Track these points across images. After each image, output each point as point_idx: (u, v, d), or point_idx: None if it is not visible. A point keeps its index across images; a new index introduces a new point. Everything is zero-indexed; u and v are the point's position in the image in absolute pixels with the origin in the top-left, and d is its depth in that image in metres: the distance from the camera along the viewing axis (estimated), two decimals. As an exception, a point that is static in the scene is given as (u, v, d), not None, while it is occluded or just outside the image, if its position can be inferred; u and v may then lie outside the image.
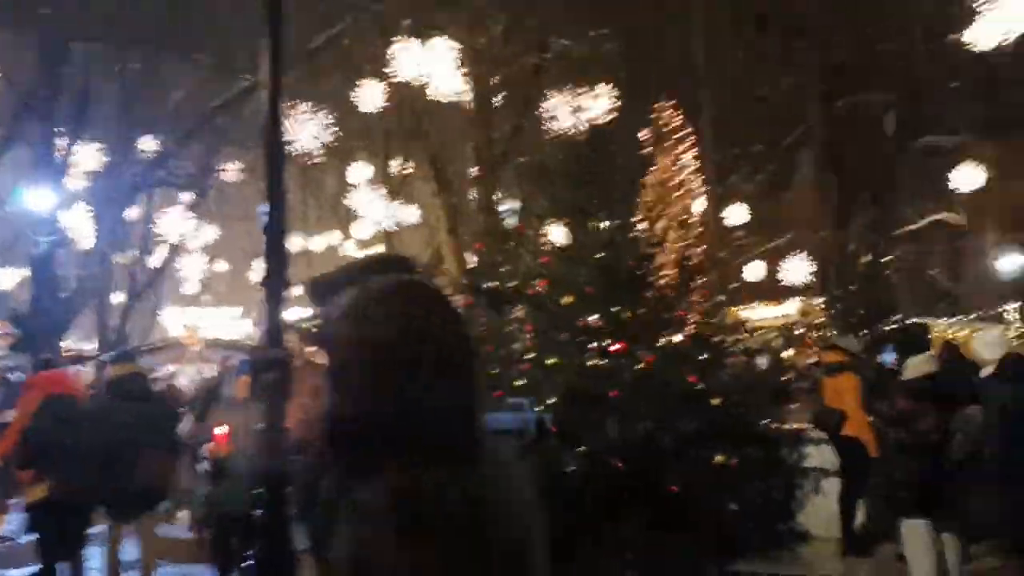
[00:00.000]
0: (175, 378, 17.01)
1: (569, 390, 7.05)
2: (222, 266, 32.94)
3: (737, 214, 20.21)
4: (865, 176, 20.33)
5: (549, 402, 6.99)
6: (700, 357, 7.09)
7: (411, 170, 25.82)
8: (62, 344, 16.56)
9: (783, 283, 21.58)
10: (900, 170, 20.16)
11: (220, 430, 6.17)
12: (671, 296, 7.52)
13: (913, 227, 21.09)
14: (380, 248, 21.62)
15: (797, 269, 22.10)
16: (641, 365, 6.89)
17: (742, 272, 19.35)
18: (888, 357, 7.14)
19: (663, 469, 6.78)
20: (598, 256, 7.31)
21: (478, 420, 1.49)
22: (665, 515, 6.84)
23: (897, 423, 5.47)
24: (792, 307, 20.67)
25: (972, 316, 20.11)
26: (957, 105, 20.04)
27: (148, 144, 18.58)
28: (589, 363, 6.96)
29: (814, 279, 21.90)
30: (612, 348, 7.22)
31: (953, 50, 14.86)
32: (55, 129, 15.56)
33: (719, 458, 6.62)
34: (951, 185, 19.30)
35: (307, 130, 14.33)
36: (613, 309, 7.34)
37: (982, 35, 13.60)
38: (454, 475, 1.35)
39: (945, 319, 18.28)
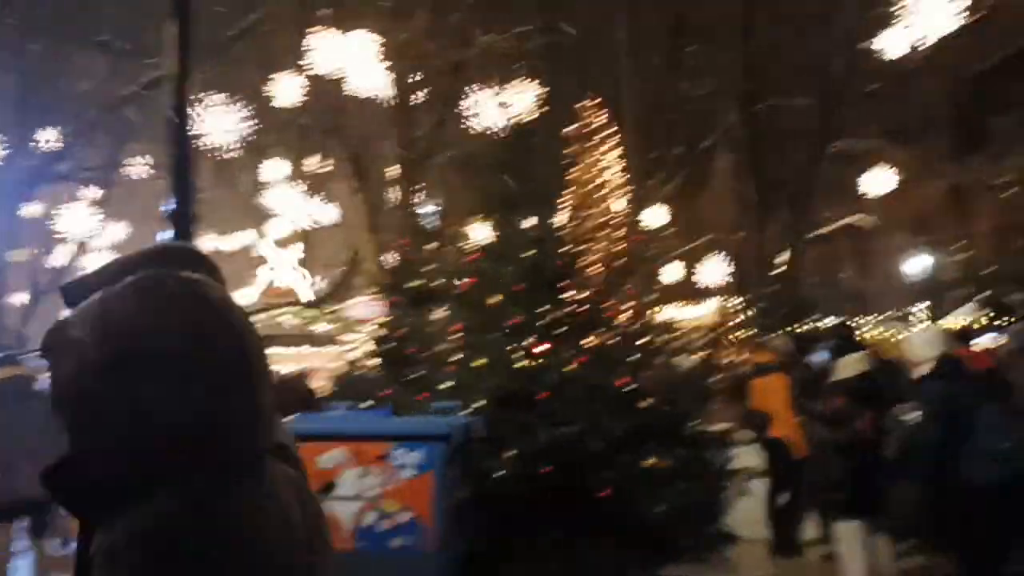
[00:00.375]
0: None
1: (497, 392, 6.82)
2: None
3: (656, 215, 20.35)
4: (782, 179, 20.71)
5: (477, 405, 6.74)
6: (629, 358, 6.94)
7: (329, 168, 25.34)
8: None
9: (700, 284, 21.82)
10: (815, 173, 20.59)
11: None
12: (599, 295, 7.36)
13: (826, 230, 21.58)
14: (297, 248, 21.06)
15: (714, 270, 22.43)
16: (572, 366, 6.70)
17: (660, 273, 19.49)
18: (819, 357, 7.12)
19: (591, 473, 6.61)
20: (525, 254, 7.09)
21: (258, 436, 1.21)
22: (592, 520, 6.69)
23: (832, 423, 5.41)
24: (709, 308, 20.93)
25: (881, 316, 20.69)
26: (869, 110, 20.57)
27: (48, 136, 17.70)
28: (517, 364, 6.72)
29: (731, 280, 22.24)
30: (539, 349, 7.02)
31: (867, 56, 15.20)
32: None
33: (651, 461, 6.47)
34: (862, 188, 19.81)
35: (220, 123, 13.79)
36: (540, 309, 7.14)
37: (894, 42, 13.93)
38: (211, 505, 1.13)
39: (857, 319, 18.73)
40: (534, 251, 7.39)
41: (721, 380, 9.39)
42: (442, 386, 7.21)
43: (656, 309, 7.82)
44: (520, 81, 13.63)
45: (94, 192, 20.25)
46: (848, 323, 10.23)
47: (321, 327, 16.77)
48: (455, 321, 7.58)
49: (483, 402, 6.88)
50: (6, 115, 17.66)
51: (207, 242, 32.10)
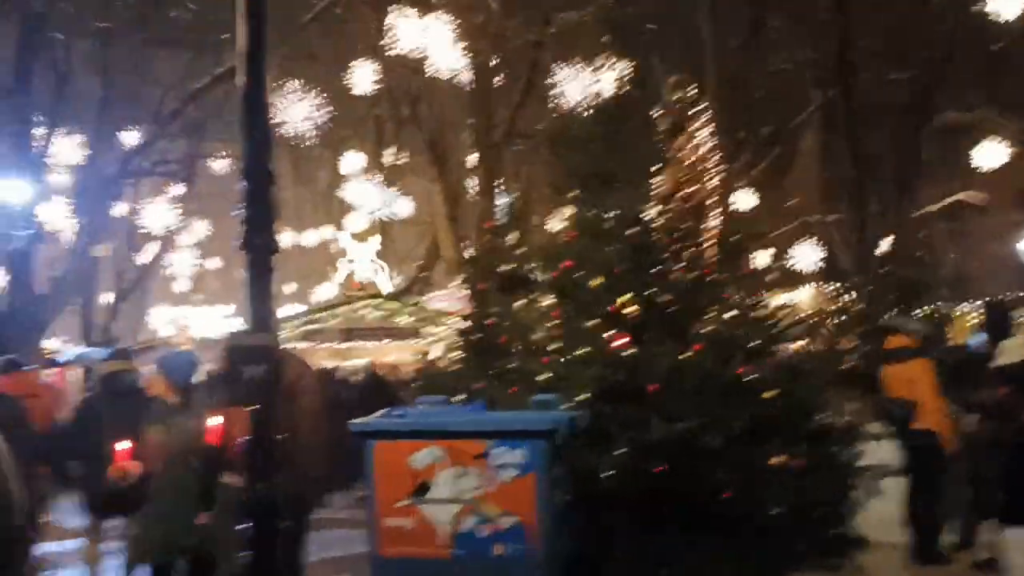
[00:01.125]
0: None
1: (601, 384, 6.23)
2: (213, 263, 32.14)
3: (745, 199, 19.49)
4: (879, 157, 19.55)
5: (579, 398, 6.17)
6: (750, 345, 6.27)
7: (405, 159, 25.07)
8: (43, 345, 15.74)
9: (793, 270, 20.88)
10: (916, 150, 19.37)
11: (122, 446, 4.94)
12: (710, 277, 6.69)
13: (935, 207, 20.33)
14: (375, 240, 20.79)
15: (807, 255, 21.39)
16: (685, 354, 6.07)
17: (753, 259, 18.55)
18: (976, 340, 6.32)
19: (708, 471, 5.97)
20: (629, 232, 6.48)
21: None
22: (707, 522, 6.08)
23: (994, 414, 4.67)
24: (804, 295, 19.92)
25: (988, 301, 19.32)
26: (976, 79, 19.26)
27: (130, 135, 17.89)
28: (624, 353, 6.12)
29: (824, 265, 21.19)
30: (645, 336, 6.40)
31: (975, 22, 14.08)
32: (33, 118, 14.68)
33: (776, 459, 5.80)
34: (971, 163, 18.55)
35: (296, 112, 13.52)
36: (648, 292, 6.51)
37: (1007, 3, 12.78)
38: None
39: (967, 303, 17.55)
40: (637, 229, 6.79)
41: (843, 368, 8.63)
42: (539, 378, 6.68)
43: (773, 292, 7.07)
44: (603, 57, 13.00)
45: (176, 189, 20.38)
46: (1000, 302, 9.31)
47: (403, 320, 16.44)
48: (550, 308, 7.00)
49: (585, 395, 6.32)
50: (90, 115, 17.83)
51: (286, 238, 32.34)
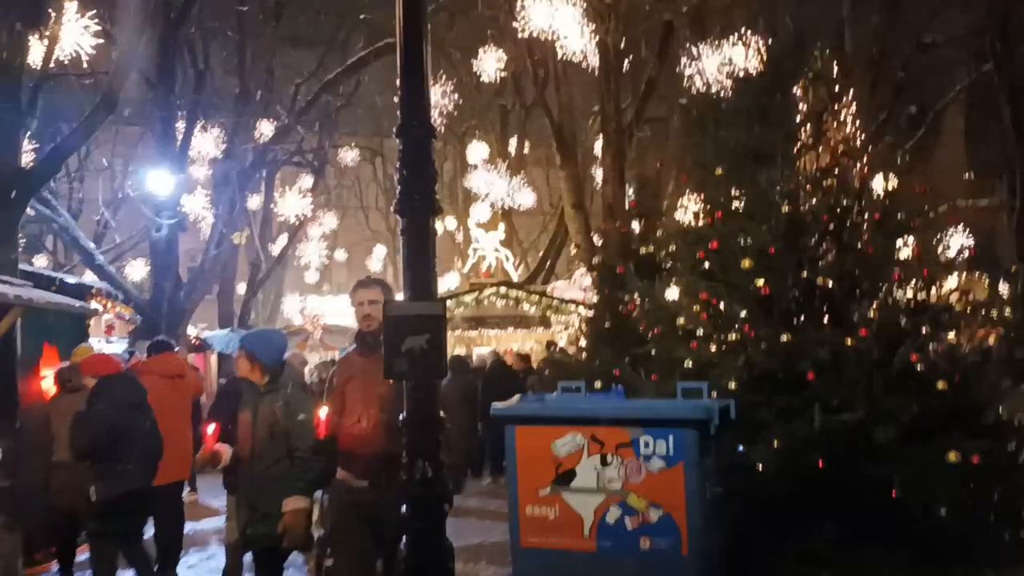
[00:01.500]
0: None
1: (752, 372, 5.85)
2: (340, 255, 32.87)
3: (890, 181, 18.33)
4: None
5: (728, 386, 5.80)
6: (922, 330, 5.75)
7: (528, 149, 24.95)
8: (190, 331, 16.40)
9: (943, 256, 19.54)
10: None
11: (211, 428, 4.75)
12: (876, 256, 6.19)
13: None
14: (499, 229, 20.73)
15: (957, 241, 20.05)
16: (848, 342, 5.61)
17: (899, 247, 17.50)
18: None
19: (874, 466, 5.51)
20: (785, 209, 6.06)
21: None
22: (872, 520, 5.62)
23: None
24: (952, 282, 18.63)
25: None
26: None
27: (264, 127, 18.46)
28: (781, 339, 5.72)
29: (975, 252, 19.82)
30: (803, 321, 5.98)
31: None
32: (176, 112, 15.27)
33: (953, 455, 5.29)
34: None
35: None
36: (804, 274, 6.08)
37: None
38: None
39: None
40: (790, 207, 6.35)
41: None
42: (685, 364, 6.34)
43: (945, 275, 6.48)
44: (741, 33, 12.44)
45: (306, 181, 20.91)
46: None
47: (529, 308, 16.29)
48: (694, 292, 6.63)
49: (734, 383, 5.95)
50: (227, 109, 18.46)
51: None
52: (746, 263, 6.04)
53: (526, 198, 22.51)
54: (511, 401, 5.90)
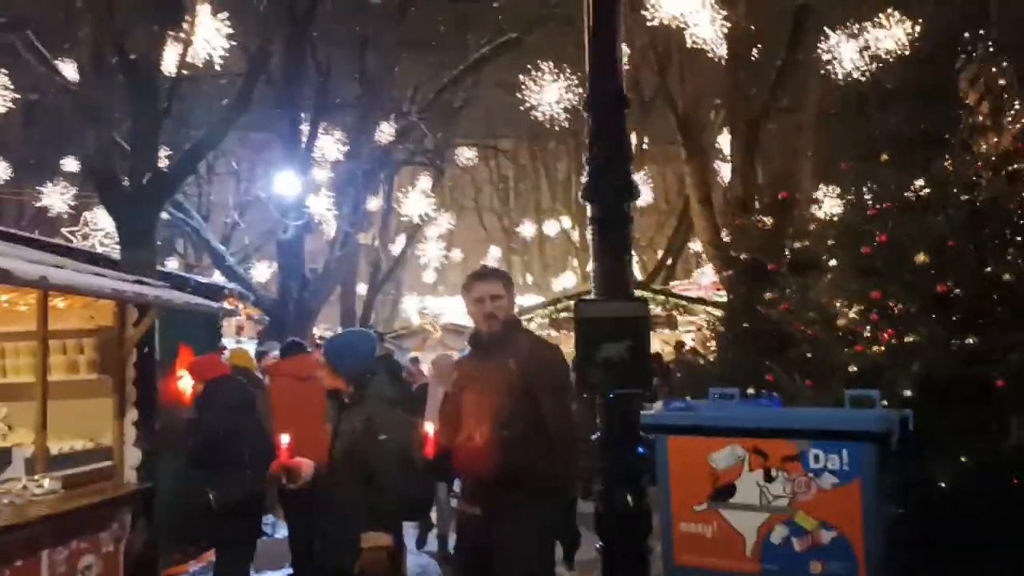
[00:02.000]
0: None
1: (931, 379, 5.26)
2: (456, 255, 33.04)
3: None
4: None
5: (903, 394, 5.24)
6: None
7: (647, 147, 24.34)
8: (315, 331, 16.61)
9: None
10: None
11: (285, 439, 3.95)
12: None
13: None
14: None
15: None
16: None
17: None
18: None
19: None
20: (967, 197, 5.44)
21: None
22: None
23: None
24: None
25: None
26: None
27: (385, 129, 18.60)
28: (967, 341, 5.12)
29: None
30: (987, 322, 5.35)
31: None
32: (301, 113, 15.50)
33: None
34: None
35: (548, 94, 13.21)
36: (987, 270, 5.45)
37: None
38: None
39: None
40: (969, 196, 5.71)
41: None
42: (851, 370, 5.78)
43: None
44: (884, 16, 11.61)
45: (425, 182, 20.97)
46: None
47: (655, 308, 15.77)
48: (859, 289, 6.06)
49: (908, 391, 5.38)
50: (350, 111, 18.68)
51: (527, 228, 32.65)
52: (921, 257, 5.46)
53: (643, 195, 21.97)
54: (657, 408, 5.49)
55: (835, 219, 7.07)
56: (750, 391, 6.16)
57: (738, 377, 8.37)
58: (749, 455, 4.92)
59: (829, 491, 4.73)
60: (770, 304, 8.34)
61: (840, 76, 11.86)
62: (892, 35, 11.02)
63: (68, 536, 5.27)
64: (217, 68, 10.82)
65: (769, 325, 8.62)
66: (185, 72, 9.57)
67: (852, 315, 6.09)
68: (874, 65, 11.50)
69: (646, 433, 5.38)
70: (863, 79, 11.45)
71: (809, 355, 6.57)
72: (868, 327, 5.78)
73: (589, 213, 2.87)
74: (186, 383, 7.41)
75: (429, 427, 3.78)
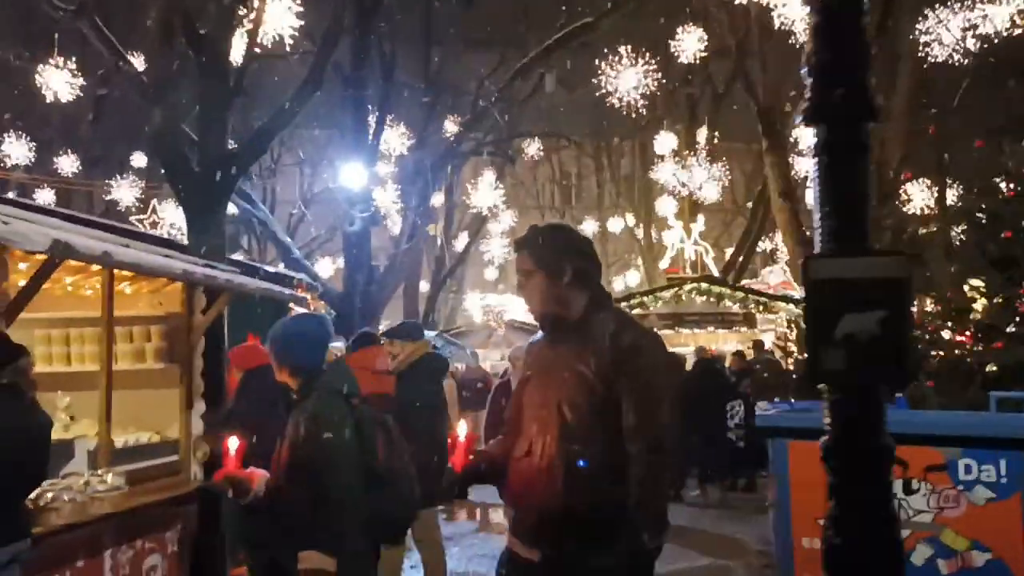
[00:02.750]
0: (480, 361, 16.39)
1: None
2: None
3: None
4: None
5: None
6: None
7: (716, 139, 23.61)
8: (381, 326, 16.31)
9: None
10: None
11: (233, 444, 3.31)
12: None
13: None
14: (700, 222, 19.60)
15: None
16: None
17: None
18: None
19: None
20: None
21: None
22: None
23: None
24: None
25: None
26: None
27: (450, 124, 18.36)
28: None
29: None
30: None
31: None
32: (367, 104, 15.22)
33: None
34: None
35: (626, 80, 12.65)
36: None
37: None
38: None
39: None
40: None
41: None
42: (988, 369, 5.17)
43: None
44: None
45: (489, 177, 20.61)
46: None
47: (733, 305, 15.09)
48: (993, 282, 5.42)
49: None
50: (415, 112, 18.50)
51: (590, 225, 32.11)
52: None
53: (710, 192, 21.28)
54: (778, 410, 4.94)
55: (959, 205, 6.39)
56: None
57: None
58: (885, 463, 4.34)
59: (983, 507, 4.13)
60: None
61: (941, 58, 11.07)
62: (1001, 12, 10.22)
63: (132, 535, 4.92)
64: (287, 49, 10.50)
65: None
66: (257, 50, 9.28)
67: (988, 308, 5.44)
68: (979, 45, 10.73)
69: (763, 436, 4.84)
70: (968, 60, 10.68)
71: (933, 354, 5.94)
72: (1016, 321, 5.14)
73: (813, 136, 2.22)
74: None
75: (462, 428, 2.92)
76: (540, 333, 2.93)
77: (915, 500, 4.27)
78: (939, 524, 4.22)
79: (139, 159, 21.36)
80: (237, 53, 9.06)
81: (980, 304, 5.82)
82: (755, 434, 9.08)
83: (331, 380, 3.28)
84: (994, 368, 5.13)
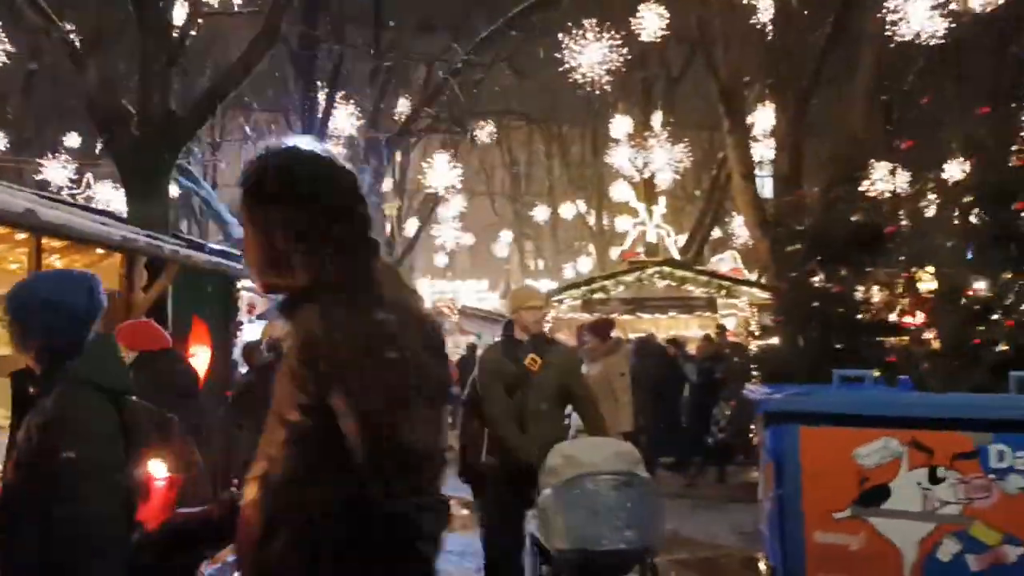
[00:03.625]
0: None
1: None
2: (467, 239, 32.07)
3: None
4: None
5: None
6: None
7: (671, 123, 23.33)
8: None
9: None
10: None
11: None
12: None
13: None
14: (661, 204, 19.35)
15: None
16: None
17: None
18: None
19: None
20: None
21: None
22: None
23: None
24: None
25: None
26: None
27: (400, 104, 17.84)
28: None
29: None
30: None
31: None
32: (316, 82, 14.59)
33: None
34: None
35: (590, 55, 12.22)
36: None
37: None
38: None
39: None
40: None
41: None
42: (1000, 348, 4.85)
43: None
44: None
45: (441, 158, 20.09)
46: None
47: (695, 289, 14.82)
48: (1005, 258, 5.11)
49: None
50: (364, 90, 17.93)
51: (540, 212, 31.74)
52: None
53: (664, 178, 21.01)
54: (785, 393, 4.55)
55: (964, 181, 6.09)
56: (875, 374, 5.23)
57: (806, 361, 7.45)
58: (908, 450, 3.98)
59: (1017, 497, 3.79)
60: (856, 280, 7.43)
61: (908, 37, 10.87)
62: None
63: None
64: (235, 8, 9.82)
65: (848, 304, 7.71)
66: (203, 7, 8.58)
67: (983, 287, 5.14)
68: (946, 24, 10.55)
69: (771, 422, 4.46)
70: (938, 40, 10.49)
71: (928, 335, 5.63)
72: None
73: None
74: (200, 361, 6.50)
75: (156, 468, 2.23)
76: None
77: (941, 490, 3.92)
78: (968, 516, 3.87)
79: (72, 139, 20.30)
80: (180, 12, 8.38)
81: (982, 282, 5.54)
82: (740, 421, 8.77)
83: (83, 368, 2.25)
84: (1005, 347, 4.81)
